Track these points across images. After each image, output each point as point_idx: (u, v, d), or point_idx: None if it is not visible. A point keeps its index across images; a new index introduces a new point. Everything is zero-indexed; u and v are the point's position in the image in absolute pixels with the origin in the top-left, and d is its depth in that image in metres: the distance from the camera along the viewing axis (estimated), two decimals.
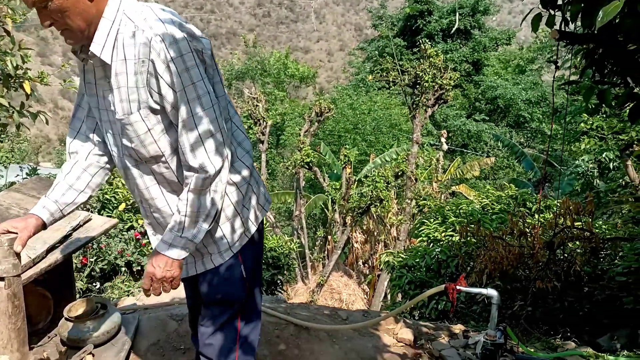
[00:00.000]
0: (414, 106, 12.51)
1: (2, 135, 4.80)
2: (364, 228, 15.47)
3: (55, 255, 2.35)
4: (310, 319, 2.97)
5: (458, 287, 2.18)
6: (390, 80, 13.10)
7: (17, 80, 4.88)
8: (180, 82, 1.48)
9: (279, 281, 8.63)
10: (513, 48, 30.39)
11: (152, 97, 1.52)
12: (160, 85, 1.49)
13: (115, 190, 6.11)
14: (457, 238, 5.18)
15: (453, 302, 2.22)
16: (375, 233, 15.63)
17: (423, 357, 2.78)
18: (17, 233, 1.65)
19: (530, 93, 24.15)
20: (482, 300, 3.71)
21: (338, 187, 13.58)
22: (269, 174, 20.80)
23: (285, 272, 9.12)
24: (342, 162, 13.03)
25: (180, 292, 2.55)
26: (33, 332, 2.52)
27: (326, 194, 13.86)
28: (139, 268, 5.79)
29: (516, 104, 24.10)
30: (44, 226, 1.72)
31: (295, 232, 14.10)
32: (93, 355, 2.39)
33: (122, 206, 5.94)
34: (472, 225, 3.84)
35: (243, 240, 1.78)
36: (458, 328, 3.12)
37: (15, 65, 4.72)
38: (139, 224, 5.91)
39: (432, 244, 5.64)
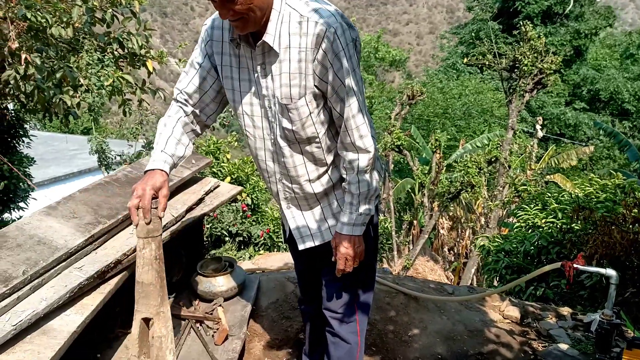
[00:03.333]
0: (511, 91, 12.15)
1: (130, 110, 5.22)
2: (451, 215, 15.28)
3: (193, 215, 2.60)
4: (417, 290, 3.08)
5: (575, 266, 2.21)
6: (486, 64, 12.77)
7: (140, 59, 5.28)
8: (346, 70, 1.60)
9: (387, 268, 8.78)
10: (619, 32, 28.54)
11: (317, 83, 1.65)
12: (328, 73, 1.62)
13: (221, 164, 6.47)
14: (560, 223, 5.07)
15: (570, 280, 2.24)
16: (463, 220, 15.40)
17: (530, 335, 2.82)
18: (156, 197, 1.77)
19: (638, 85, 22.59)
20: (591, 285, 3.65)
21: (427, 171, 13.48)
22: None
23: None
24: (433, 147, 12.91)
25: (290, 258, 2.72)
26: (169, 284, 2.80)
27: (415, 177, 13.79)
28: (241, 239, 6.12)
29: (621, 94, 22.66)
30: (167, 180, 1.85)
31: (382, 214, 14.17)
32: (222, 308, 2.64)
33: (228, 179, 6.29)
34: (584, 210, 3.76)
35: (379, 199, 1.93)
36: (566, 310, 3.11)
37: (140, 45, 5.10)
38: (242, 197, 6.24)
39: (530, 230, 5.55)
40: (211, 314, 2.60)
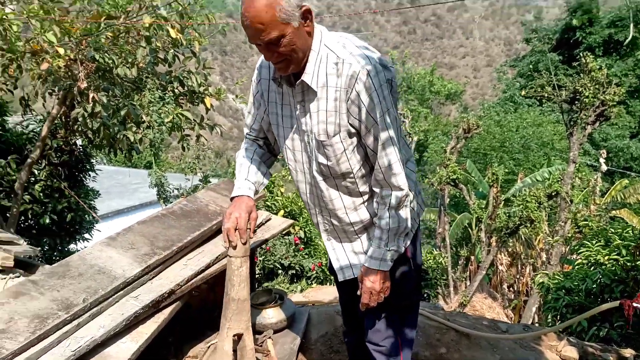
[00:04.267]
0: (571, 123, 11.82)
1: (188, 145, 5.43)
2: (510, 250, 14.82)
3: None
4: (469, 327, 3.01)
5: (635, 305, 2.11)
6: (545, 96, 12.51)
7: (199, 96, 5.51)
8: (379, 110, 1.67)
9: (426, 294, 8.63)
10: None
11: (351, 122, 1.72)
12: (361, 112, 1.68)
13: (275, 198, 6.59)
14: (624, 261, 4.85)
15: (629, 320, 2.14)
16: (523, 256, 14.89)
17: None
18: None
19: None
20: None
21: (484, 205, 13.19)
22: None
23: (431, 287, 9.08)
24: (490, 181, 12.66)
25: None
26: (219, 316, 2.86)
27: (471, 212, 13.52)
28: (294, 272, 6.16)
29: None
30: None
31: (437, 249, 13.93)
32: (272, 340, 2.66)
33: (281, 213, 6.39)
34: None
35: (409, 237, 1.93)
36: (629, 352, 2.96)
37: (199, 83, 5.33)
38: (295, 230, 6.31)
39: (592, 267, 5.32)
40: (261, 345, 2.62)
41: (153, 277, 2.29)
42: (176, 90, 5.30)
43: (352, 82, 1.65)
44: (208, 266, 2.42)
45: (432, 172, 16.53)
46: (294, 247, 6.09)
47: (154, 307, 2.17)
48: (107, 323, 1.97)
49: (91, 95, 4.42)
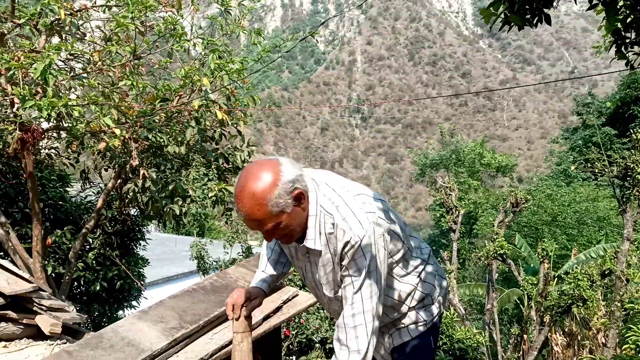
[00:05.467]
0: (624, 200, 11.52)
1: (230, 219, 5.68)
2: (566, 330, 14.16)
3: (270, 323, 2.78)
4: None
5: None
6: (597, 171, 12.32)
7: None
8: (361, 271, 1.77)
9: None
10: None
11: (343, 273, 1.85)
12: (347, 269, 1.80)
13: None
14: None
15: None
16: (580, 337, 14.18)
17: None
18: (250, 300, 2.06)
19: None
20: None
21: (535, 282, 12.79)
22: (460, 264, 20.35)
23: None
24: (540, 256, 12.34)
25: None
26: None
27: (521, 288, 13.12)
28: (330, 346, 6.15)
29: None
30: (264, 295, 2.15)
31: (486, 327, 13.46)
32: None
33: None
34: None
35: (432, 321, 2.01)
36: None
37: (243, 159, 5.63)
38: None
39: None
40: None
41: (179, 350, 2.43)
42: (221, 166, 5.60)
43: (344, 247, 1.76)
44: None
45: (481, 247, 16.25)
46: (329, 320, 6.12)
47: None
48: None
49: (142, 172, 4.76)
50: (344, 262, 1.79)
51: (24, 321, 3.34)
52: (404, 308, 2.01)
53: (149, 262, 7.98)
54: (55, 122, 4.52)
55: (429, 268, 2.04)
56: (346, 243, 1.75)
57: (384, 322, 2.00)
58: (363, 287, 1.76)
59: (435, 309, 2.06)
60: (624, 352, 5.44)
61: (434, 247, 23.25)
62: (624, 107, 24.81)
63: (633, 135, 11.81)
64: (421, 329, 2.03)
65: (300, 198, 1.76)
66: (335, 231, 1.76)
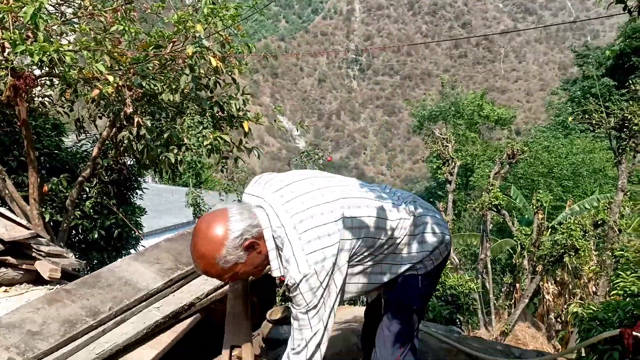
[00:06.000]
0: (620, 151, 11.56)
1: (225, 167, 5.69)
2: (558, 279, 14.44)
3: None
4: (481, 351, 3.07)
5: (635, 333, 2.15)
6: (594, 122, 12.30)
7: (238, 120, 5.77)
8: (301, 307, 1.76)
9: (457, 320, 8.56)
10: None
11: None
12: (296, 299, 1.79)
13: None
14: None
15: (629, 349, 2.18)
16: (571, 286, 14.48)
17: None
18: None
19: None
20: None
21: (528, 232, 12.96)
22: (455, 215, 20.54)
23: (465, 312, 9.00)
24: (534, 207, 12.46)
25: (361, 312, 2.84)
26: None
27: (515, 238, 13.31)
28: None
29: None
30: None
31: (479, 276, 13.73)
32: None
33: None
34: None
35: (422, 270, 2.05)
36: None
37: (238, 107, 5.59)
38: None
39: (627, 299, 5.23)
40: (275, 359, 2.78)
41: (175, 290, 2.49)
42: (216, 115, 5.57)
43: (293, 285, 1.74)
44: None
45: (476, 198, 16.38)
46: None
47: (175, 318, 2.36)
48: (130, 330, 2.17)
49: (136, 120, 4.74)
50: (289, 295, 1.83)
51: (24, 267, 3.40)
52: (394, 269, 2.02)
53: (146, 212, 8.04)
54: (47, 68, 4.47)
55: (422, 227, 2.03)
56: (286, 284, 1.78)
57: (374, 283, 2.03)
58: (302, 322, 1.79)
59: (428, 261, 2.06)
60: (612, 298, 5.58)
61: (430, 200, 23.42)
62: (624, 58, 24.53)
63: (632, 86, 11.76)
64: (413, 273, 2.06)
65: (252, 245, 1.77)
66: (287, 267, 1.76)
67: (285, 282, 1.78)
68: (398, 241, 1.96)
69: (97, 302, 2.18)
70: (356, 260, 1.91)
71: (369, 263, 1.95)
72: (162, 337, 2.30)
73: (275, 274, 1.84)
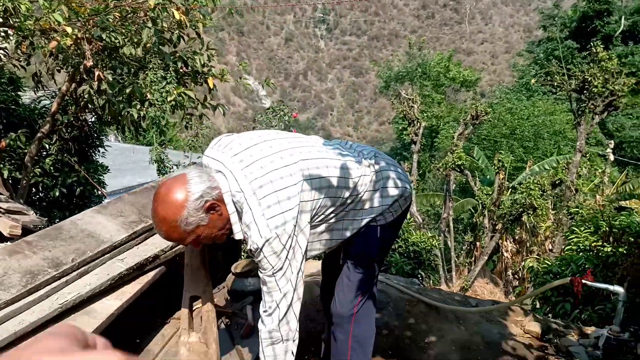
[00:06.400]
0: (580, 112, 11.84)
1: (190, 123, 5.62)
2: (516, 238, 14.92)
3: None
4: (440, 302, 3.19)
5: (584, 281, 2.26)
6: (555, 84, 12.52)
7: (202, 77, 5.67)
8: (265, 267, 1.80)
9: (419, 275, 8.82)
10: None
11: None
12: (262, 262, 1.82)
13: None
14: (609, 248, 4.98)
15: (578, 296, 2.30)
16: (528, 244, 14.99)
17: (549, 350, 2.85)
18: None
19: None
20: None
21: (490, 192, 13.28)
22: (419, 176, 20.84)
23: (427, 268, 9.26)
24: (496, 168, 12.74)
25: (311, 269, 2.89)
26: None
27: (476, 198, 13.63)
28: None
29: None
30: None
31: (442, 234, 14.08)
32: (251, 306, 2.86)
33: None
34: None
35: (382, 222, 2.09)
36: (591, 329, 3.11)
37: (202, 63, 5.49)
38: None
39: (580, 253, 5.47)
40: (240, 310, 2.83)
41: (139, 243, 2.50)
42: (180, 70, 5.46)
43: (256, 250, 1.77)
44: None
45: (441, 159, 16.62)
46: None
47: (139, 270, 2.37)
48: (94, 281, 2.17)
49: (97, 74, 4.61)
50: (254, 260, 1.85)
51: None
52: (356, 224, 2.06)
53: (109, 170, 7.90)
54: (1, 19, 4.29)
55: (380, 182, 2.06)
56: (249, 249, 1.81)
57: (337, 239, 2.06)
58: (269, 284, 1.82)
59: (388, 214, 2.11)
60: (566, 254, 5.82)
61: (396, 159, 23.60)
62: (587, 21, 24.86)
63: (593, 49, 11.96)
64: (373, 224, 2.11)
65: (213, 207, 1.78)
66: (248, 232, 1.78)
67: (248, 247, 1.80)
68: (359, 197, 2.00)
69: (60, 253, 2.16)
70: (318, 220, 1.94)
71: (332, 221, 1.99)
72: (126, 288, 2.31)
73: (238, 236, 1.86)
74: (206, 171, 1.84)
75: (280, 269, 1.78)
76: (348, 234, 2.04)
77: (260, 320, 1.88)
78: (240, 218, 1.82)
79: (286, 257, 1.78)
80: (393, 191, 2.07)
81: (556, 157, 15.77)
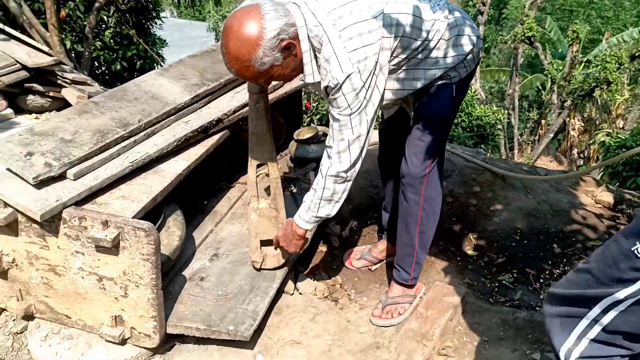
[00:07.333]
0: None
1: None
2: (585, 116, 14.24)
3: (292, 86, 2.78)
4: (508, 171, 3.10)
5: None
6: None
7: None
8: (341, 106, 1.71)
9: (481, 149, 8.70)
10: None
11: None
12: (337, 101, 1.72)
13: None
14: None
15: None
16: (598, 122, 14.31)
17: (620, 220, 2.76)
18: None
19: None
20: None
21: (561, 66, 12.52)
22: (485, 51, 19.81)
23: (489, 143, 9.08)
24: (570, 39, 11.87)
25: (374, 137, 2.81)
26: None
27: (545, 73, 12.91)
28: None
29: None
30: None
31: (506, 111, 13.61)
32: (314, 172, 2.87)
33: None
34: None
35: (456, 79, 1.96)
36: None
37: None
38: None
39: None
40: (304, 176, 2.84)
41: (203, 106, 2.48)
42: None
43: (327, 89, 1.69)
44: None
45: (508, 30, 15.57)
46: None
47: (203, 133, 2.37)
48: (160, 142, 2.19)
49: None
50: (329, 99, 1.75)
51: (51, 94, 3.40)
52: (429, 74, 1.93)
53: (167, 43, 7.88)
54: None
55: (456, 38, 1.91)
56: (326, 85, 1.69)
57: (407, 89, 1.96)
58: (342, 122, 1.74)
59: (462, 69, 1.98)
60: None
61: None
62: None
63: None
64: (447, 82, 1.98)
65: (289, 47, 1.65)
66: (327, 67, 1.67)
67: (325, 85, 1.71)
68: (432, 44, 1.86)
69: (126, 114, 2.17)
70: (392, 63, 1.83)
71: (404, 67, 1.88)
72: (192, 150, 2.33)
73: (309, 79, 1.78)
74: (281, 3, 1.70)
75: (358, 109, 1.72)
76: (419, 85, 1.92)
77: (326, 155, 1.86)
78: (315, 56, 1.73)
79: (364, 97, 1.71)
80: (467, 43, 1.93)
81: (638, 28, 14.48)
